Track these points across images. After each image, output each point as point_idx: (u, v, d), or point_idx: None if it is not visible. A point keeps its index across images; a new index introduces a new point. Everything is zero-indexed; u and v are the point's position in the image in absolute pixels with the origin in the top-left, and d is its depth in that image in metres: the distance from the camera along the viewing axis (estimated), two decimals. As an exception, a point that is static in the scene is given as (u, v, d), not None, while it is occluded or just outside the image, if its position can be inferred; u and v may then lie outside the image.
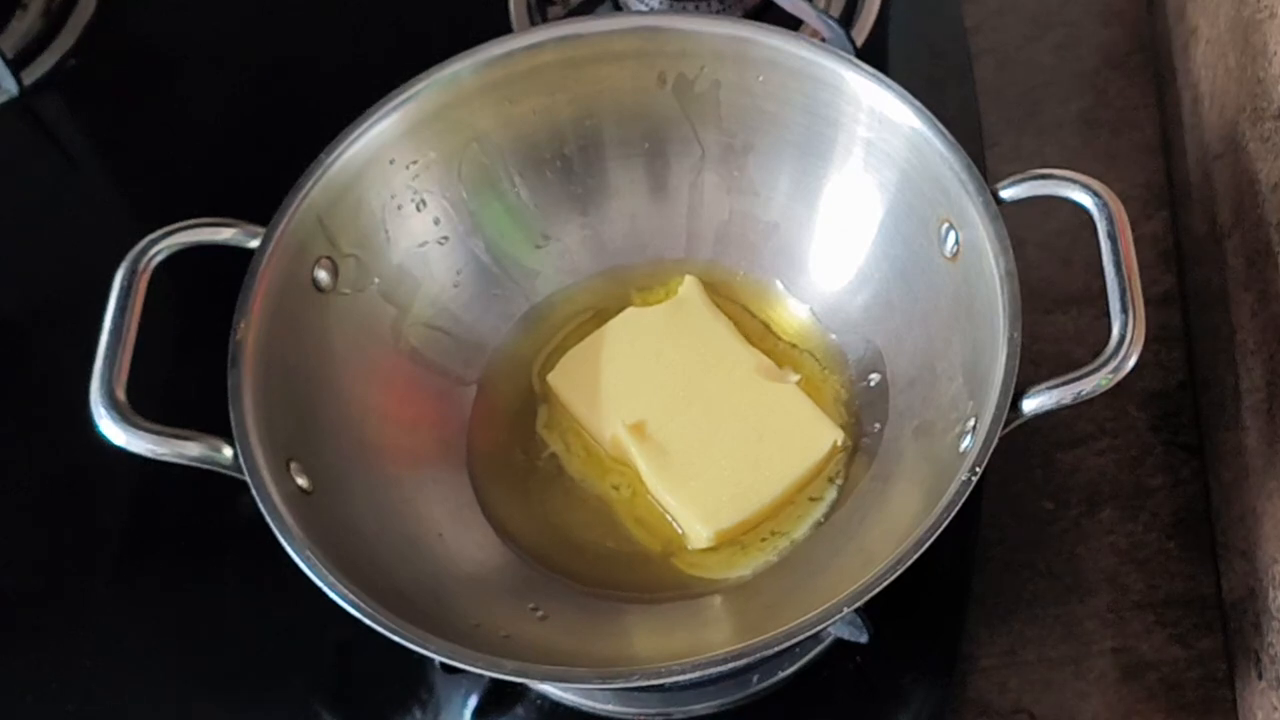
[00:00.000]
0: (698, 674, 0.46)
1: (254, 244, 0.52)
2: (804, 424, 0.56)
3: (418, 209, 0.58)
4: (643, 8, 0.72)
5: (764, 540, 0.54)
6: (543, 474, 0.58)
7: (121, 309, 0.49)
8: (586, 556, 0.55)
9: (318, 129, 0.55)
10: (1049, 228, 0.66)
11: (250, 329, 0.50)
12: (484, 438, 0.58)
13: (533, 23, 0.73)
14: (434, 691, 0.56)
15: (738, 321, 0.60)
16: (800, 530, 0.54)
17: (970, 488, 0.45)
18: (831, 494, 0.55)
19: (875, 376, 0.57)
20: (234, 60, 0.76)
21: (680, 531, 0.55)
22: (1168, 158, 0.69)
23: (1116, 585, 0.58)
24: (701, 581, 0.54)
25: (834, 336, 0.59)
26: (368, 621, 0.44)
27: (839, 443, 0.56)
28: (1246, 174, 0.56)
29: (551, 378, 0.59)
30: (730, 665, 0.45)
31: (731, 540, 0.54)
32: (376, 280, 0.57)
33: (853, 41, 0.65)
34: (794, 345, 0.59)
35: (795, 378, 0.58)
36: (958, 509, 0.44)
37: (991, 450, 0.45)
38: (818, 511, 0.55)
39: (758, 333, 0.60)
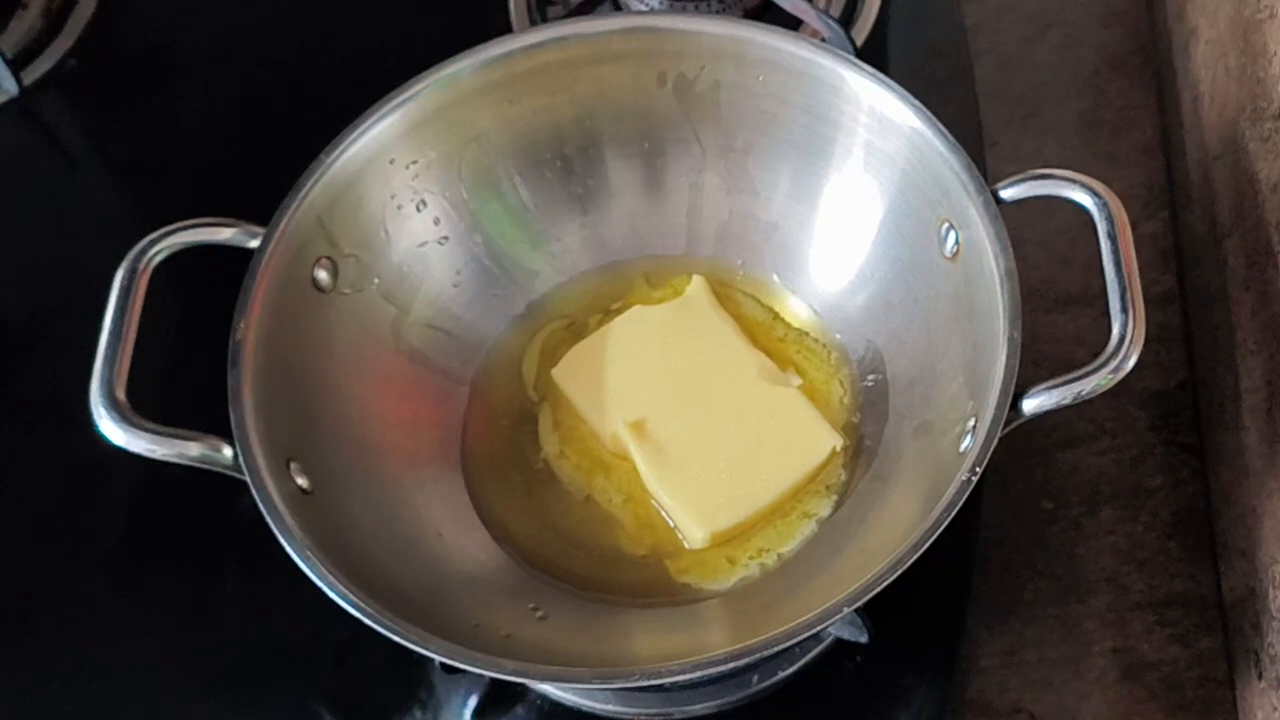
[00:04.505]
0: (698, 674, 0.46)
1: (254, 244, 0.52)
2: (804, 428, 0.56)
3: (418, 209, 0.58)
4: (643, 8, 0.72)
5: (751, 558, 0.54)
6: (536, 475, 0.57)
7: (121, 309, 0.49)
8: (580, 559, 0.55)
9: (318, 129, 0.55)
10: (1049, 228, 0.66)
11: (250, 329, 0.50)
12: (479, 439, 0.58)
13: (533, 23, 0.73)
14: (434, 691, 0.56)
15: (746, 311, 0.60)
16: (790, 546, 0.54)
17: (970, 488, 0.45)
18: (825, 510, 0.55)
19: (875, 376, 0.57)
20: (234, 60, 0.76)
21: (673, 526, 0.55)
22: (1168, 158, 0.69)
23: (1116, 585, 0.58)
24: (691, 590, 0.54)
25: (835, 336, 0.59)
26: (368, 621, 0.44)
27: (838, 448, 0.56)
28: (1246, 174, 0.56)
29: (555, 373, 0.59)
30: (730, 665, 0.44)
31: (724, 548, 0.54)
32: (376, 280, 0.57)
33: (853, 41, 0.65)
34: (804, 333, 0.59)
35: (797, 381, 0.58)
36: (957, 509, 0.44)
37: (991, 450, 0.45)
38: (809, 528, 0.55)
39: (766, 322, 0.60)
